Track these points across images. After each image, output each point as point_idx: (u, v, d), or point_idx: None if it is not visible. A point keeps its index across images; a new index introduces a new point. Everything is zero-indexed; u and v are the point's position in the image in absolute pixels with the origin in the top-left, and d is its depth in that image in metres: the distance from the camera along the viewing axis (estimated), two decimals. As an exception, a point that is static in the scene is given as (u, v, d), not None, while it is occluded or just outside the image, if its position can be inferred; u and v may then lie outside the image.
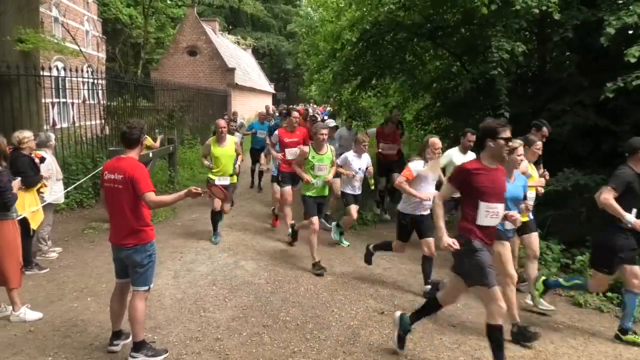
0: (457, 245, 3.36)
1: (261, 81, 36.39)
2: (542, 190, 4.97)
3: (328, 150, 5.89)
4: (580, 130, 6.74)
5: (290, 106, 15.95)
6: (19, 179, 4.51)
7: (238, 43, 36.51)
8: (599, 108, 6.50)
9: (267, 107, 13.26)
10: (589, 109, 6.61)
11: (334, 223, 6.83)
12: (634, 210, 4.05)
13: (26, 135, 5.37)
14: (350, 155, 6.41)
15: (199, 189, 3.56)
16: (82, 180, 7.88)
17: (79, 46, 13.06)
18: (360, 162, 6.39)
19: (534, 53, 8.19)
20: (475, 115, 9.59)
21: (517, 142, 4.08)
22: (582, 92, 6.75)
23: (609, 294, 4.96)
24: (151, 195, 3.42)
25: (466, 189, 3.45)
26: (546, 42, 7.84)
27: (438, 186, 4.97)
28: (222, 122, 6.72)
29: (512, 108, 6.71)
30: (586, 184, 6.00)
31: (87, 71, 11.70)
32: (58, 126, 13.05)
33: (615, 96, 5.69)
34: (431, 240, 4.93)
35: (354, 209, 6.45)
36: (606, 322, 4.57)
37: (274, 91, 39.78)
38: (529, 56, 7.80)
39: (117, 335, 3.77)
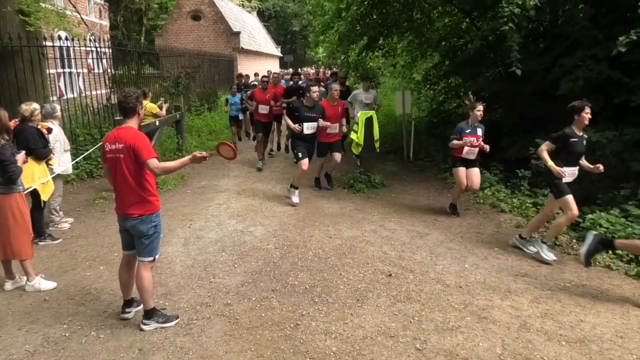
0: None
1: (267, 44, 35.77)
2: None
3: None
4: (592, 85, 6.55)
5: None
6: (23, 152, 4.51)
7: (242, 6, 35.81)
8: (612, 62, 6.29)
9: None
10: (602, 62, 6.40)
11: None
12: None
13: (36, 107, 5.37)
14: None
15: (204, 152, 3.52)
16: (90, 151, 7.94)
17: (80, 14, 12.86)
18: None
19: (545, 7, 7.89)
20: (486, 73, 9.38)
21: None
22: (595, 45, 6.52)
23: (619, 252, 4.91)
24: (154, 162, 3.40)
25: None
26: (559, -5, 7.55)
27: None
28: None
29: (524, 65, 6.52)
30: (598, 140, 5.88)
31: (91, 40, 11.58)
32: (65, 97, 13.03)
33: (630, 49, 5.49)
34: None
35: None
36: (615, 280, 4.55)
37: (280, 54, 39.12)
38: (541, 10, 7.51)
39: (129, 303, 3.84)
